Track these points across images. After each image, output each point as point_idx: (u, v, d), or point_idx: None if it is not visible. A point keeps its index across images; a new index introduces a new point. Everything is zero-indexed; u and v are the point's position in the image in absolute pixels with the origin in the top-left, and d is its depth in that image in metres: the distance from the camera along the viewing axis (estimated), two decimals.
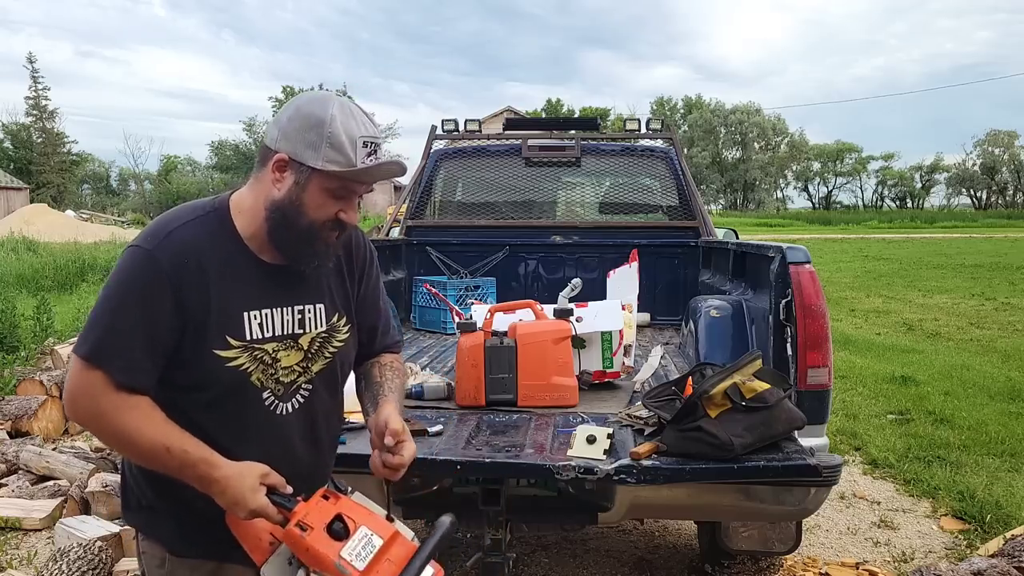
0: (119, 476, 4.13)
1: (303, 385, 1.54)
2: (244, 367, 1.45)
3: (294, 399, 1.53)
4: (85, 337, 1.37)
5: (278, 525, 1.35)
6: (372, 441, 1.56)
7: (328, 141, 1.39)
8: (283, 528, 1.34)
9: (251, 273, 1.47)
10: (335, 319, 1.60)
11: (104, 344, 1.36)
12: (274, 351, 1.49)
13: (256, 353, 1.46)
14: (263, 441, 1.49)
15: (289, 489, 1.40)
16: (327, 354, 1.58)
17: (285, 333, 1.51)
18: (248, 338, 1.45)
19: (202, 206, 1.50)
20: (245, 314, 1.45)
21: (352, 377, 1.76)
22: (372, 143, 1.42)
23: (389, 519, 1.41)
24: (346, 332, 1.62)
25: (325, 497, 1.37)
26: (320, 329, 1.57)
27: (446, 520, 1.40)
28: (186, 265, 1.40)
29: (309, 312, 1.55)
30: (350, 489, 1.43)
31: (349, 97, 1.48)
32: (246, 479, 1.36)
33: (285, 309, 1.51)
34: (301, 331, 1.53)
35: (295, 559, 1.35)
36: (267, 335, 1.48)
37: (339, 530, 1.32)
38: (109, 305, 1.38)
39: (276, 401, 1.50)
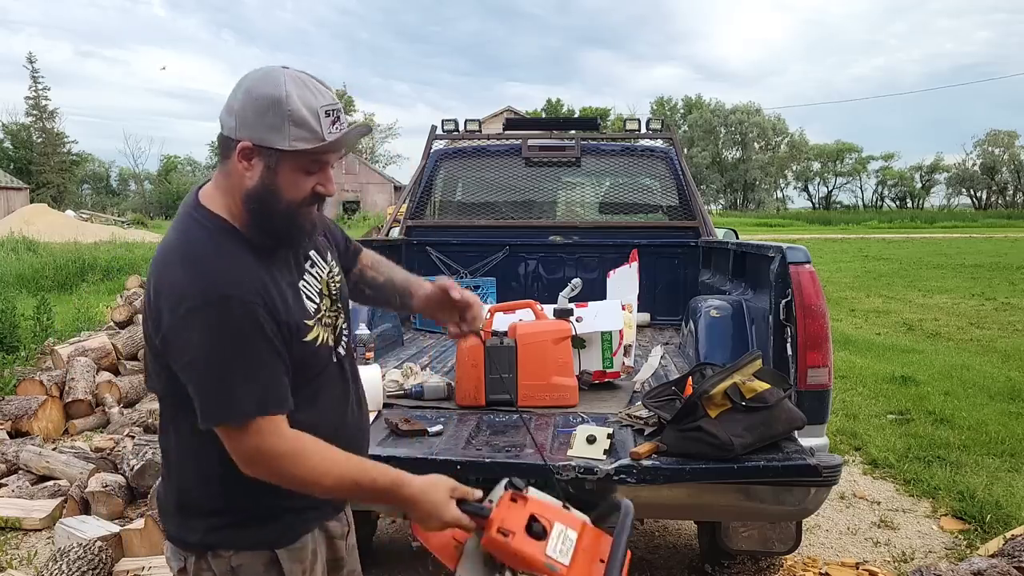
0: (119, 476, 4.03)
1: (342, 327, 1.61)
2: (319, 337, 1.50)
3: (343, 341, 1.60)
4: (222, 402, 1.33)
5: (470, 532, 1.38)
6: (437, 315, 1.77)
7: (290, 120, 1.35)
8: (482, 535, 1.36)
9: (276, 259, 1.48)
10: (328, 256, 1.64)
11: (250, 394, 1.34)
12: (326, 309, 1.55)
13: (323, 319, 1.52)
14: (334, 389, 1.56)
15: (478, 493, 1.41)
16: (337, 286, 1.63)
17: (317, 290, 1.55)
18: (313, 311, 1.50)
19: (199, 228, 1.42)
20: (300, 294, 1.49)
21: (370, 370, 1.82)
22: (333, 110, 1.39)
23: (566, 507, 1.45)
24: (336, 263, 1.68)
25: (513, 500, 1.39)
26: (326, 269, 1.61)
27: (629, 504, 1.44)
28: (254, 281, 1.39)
29: (315, 264, 1.58)
30: (526, 485, 1.43)
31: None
32: (437, 493, 1.39)
33: (306, 273, 1.54)
34: (320, 281, 1.57)
35: (491, 560, 1.37)
36: (317, 300, 1.53)
37: (539, 531, 1.36)
38: (226, 362, 1.33)
39: (336, 348, 1.57)
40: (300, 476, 1.37)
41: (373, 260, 1.87)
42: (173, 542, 1.52)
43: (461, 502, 1.39)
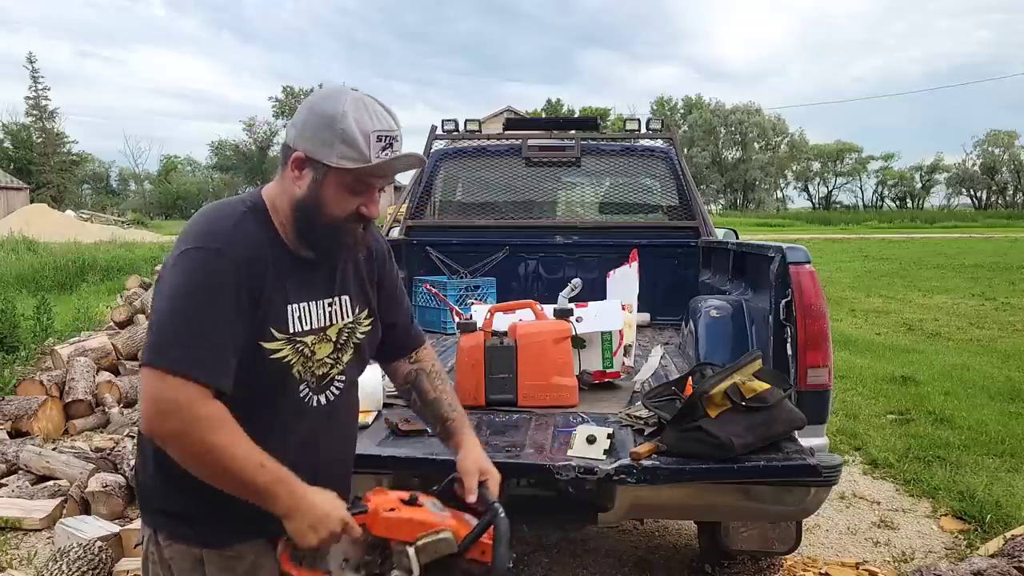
0: (119, 476, 4.04)
1: (336, 377, 1.57)
2: (287, 359, 1.47)
3: (327, 392, 1.55)
4: (163, 347, 1.33)
5: (356, 535, 1.41)
6: (462, 481, 1.61)
7: (341, 138, 1.40)
8: (367, 520, 1.41)
9: (290, 267, 1.50)
10: (358, 311, 1.63)
11: (191, 350, 1.32)
12: (312, 344, 1.51)
13: (298, 346, 1.48)
14: (294, 432, 1.51)
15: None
16: (353, 344, 1.60)
17: (319, 326, 1.53)
18: (291, 331, 1.47)
19: (241, 202, 1.51)
20: (288, 307, 1.48)
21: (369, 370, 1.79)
22: (387, 136, 1.42)
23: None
24: (367, 324, 1.65)
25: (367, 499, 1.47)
26: (347, 320, 1.59)
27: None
28: (251, 259, 1.41)
29: (336, 304, 1.58)
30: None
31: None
32: (329, 500, 1.40)
33: (318, 302, 1.54)
34: (330, 323, 1.56)
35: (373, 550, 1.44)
36: (306, 328, 1.50)
37: (413, 500, 1.46)
38: (184, 310, 1.35)
39: (310, 393, 1.52)
40: (204, 446, 1.32)
41: (433, 367, 1.79)
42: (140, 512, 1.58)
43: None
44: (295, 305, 1.48)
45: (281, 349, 1.45)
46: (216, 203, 1.53)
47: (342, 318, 1.58)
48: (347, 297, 1.60)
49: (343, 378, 1.58)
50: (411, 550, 1.40)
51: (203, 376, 1.32)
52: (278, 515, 1.37)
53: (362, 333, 1.63)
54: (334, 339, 1.56)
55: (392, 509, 1.42)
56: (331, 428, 1.59)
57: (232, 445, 1.33)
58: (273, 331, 1.44)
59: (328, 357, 1.54)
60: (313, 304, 1.52)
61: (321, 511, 1.37)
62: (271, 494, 1.35)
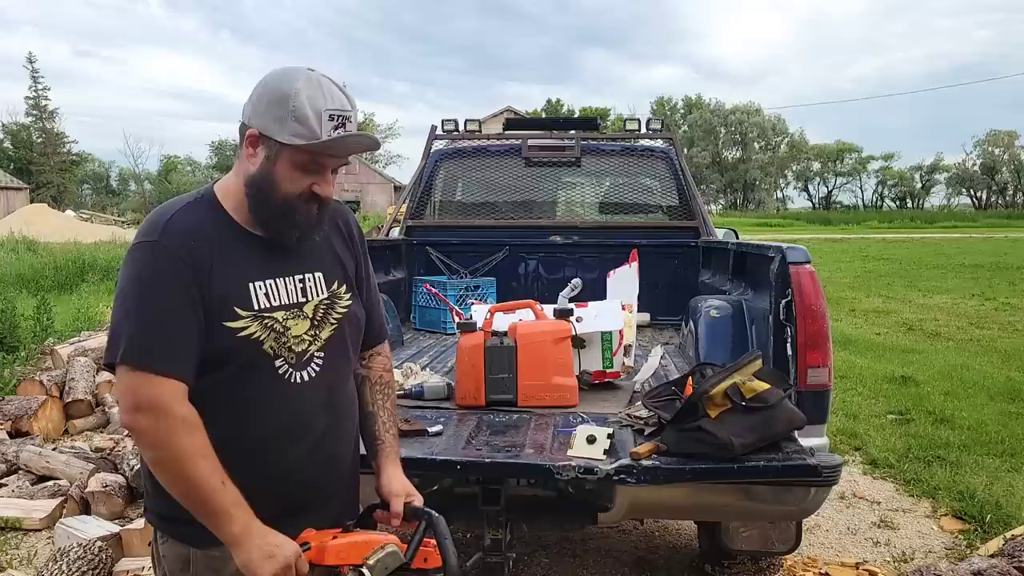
0: (119, 476, 4.04)
1: (315, 353, 1.56)
2: (256, 335, 1.47)
3: (309, 368, 1.55)
4: (118, 342, 1.37)
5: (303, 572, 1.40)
6: (385, 505, 1.63)
7: (293, 115, 1.41)
8: (314, 556, 1.41)
9: (248, 248, 1.50)
10: (335, 286, 1.62)
11: (144, 343, 1.36)
12: (283, 319, 1.51)
13: (266, 321, 1.48)
14: (281, 411, 1.51)
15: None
16: (332, 320, 1.60)
17: (291, 302, 1.53)
18: (256, 307, 1.48)
19: (189, 196, 1.54)
20: (250, 285, 1.48)
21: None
22: (339, 116, 1.43)
23: None
24: (348, 299, 1.64)
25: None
26: (322, 296, 1.59)
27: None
28: (192, 246, 1.42)
29: (309, 280, 1.58)
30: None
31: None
32: (284, 536, 1.40)
33: (287, 279, 1.54)
34: (304, 299, 1.56)
35: None
36: (274, 304, 1.50)
37: (347, 530, 1.48)
38: (133, 305, 1.39)
39: (290, 370, 1.52)
40: (172, 450, 1.34)
41: (381, 378, 1.78)
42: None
43: None
44: (259, 283, 1.49)
45: (248, 326, 1.46)
46: (167, 200, 1.55)
47: (317, 294, 1.58)
48: (320, 274, 1.60)
49: (322, 355, 1.56)
50: (364, 570, 1.41)
51: (160, 366, 1.35)
52: (227, 542, 1.37)
53: (343, 308, 1.62)
54: (311, 315, 1.56)
55: (335, 537, 1.44)
56: (326, 413, 1.58)
57: (200, 456, 1.35)
58: (237, 310, 1.45)
59: (306, 334, 1.54)
60: (281, 281, 1.52)
61: (276, 540, 1.38)
62: (227, 515, 1.36)
